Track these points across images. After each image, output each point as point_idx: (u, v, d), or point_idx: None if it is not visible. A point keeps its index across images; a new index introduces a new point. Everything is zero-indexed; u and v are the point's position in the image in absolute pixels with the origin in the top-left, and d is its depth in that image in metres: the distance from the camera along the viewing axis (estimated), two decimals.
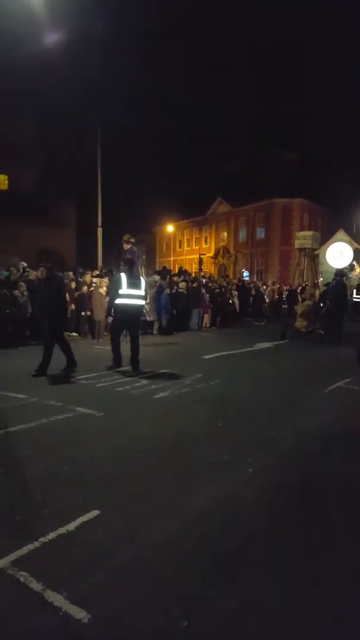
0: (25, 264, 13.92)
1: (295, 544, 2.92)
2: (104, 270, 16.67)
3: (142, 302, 8.53)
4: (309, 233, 28.17)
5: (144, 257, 12.76)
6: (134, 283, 8.23)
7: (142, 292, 8.40)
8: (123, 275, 8.29)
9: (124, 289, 8.13)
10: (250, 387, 7.34)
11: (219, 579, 2.56)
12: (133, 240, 12.25)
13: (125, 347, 8.53)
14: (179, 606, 2.33)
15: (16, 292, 11.66)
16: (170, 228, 48.67)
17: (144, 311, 11.51)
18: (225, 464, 4.10)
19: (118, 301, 8.23)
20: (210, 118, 60.36)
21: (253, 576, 2.58)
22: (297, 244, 27.91)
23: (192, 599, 2.39)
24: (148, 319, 11.77)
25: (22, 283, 11.91)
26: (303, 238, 27.50)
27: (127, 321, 8.40)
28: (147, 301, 11.34)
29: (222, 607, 2.33)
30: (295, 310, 14.79)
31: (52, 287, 8.01)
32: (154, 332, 14.40)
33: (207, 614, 2.30)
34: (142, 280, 8.50)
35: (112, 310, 8.55)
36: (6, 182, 33.32)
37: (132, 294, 8.18)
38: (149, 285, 14.91)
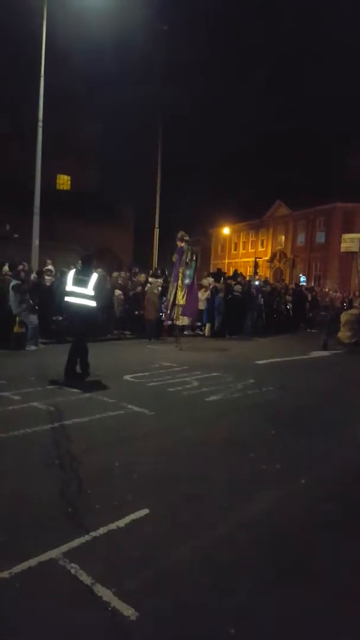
0: None
1: (349, 558, 2.80)
2: (159, 271, 16.84)
3: (89, 302, 7.19)
4: (357, 236, 25.90)
5: (194, 259, 12.44)
6: (79, 280, 7.22)
7: (87, 290, 7.17)
8: (71, 272, 7.57)
9: (69, 286, 7.28)
10: (305, 396, 7.15)
11: (268, 588, 2.50)
12: (187, 238, 12.05)
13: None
14: (226, 612, 2.29)
15: None
16: (226, 230, 48.41)
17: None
18: (278, 473, 4.00)
19: (66, 299, 7.39)
20: (270, 119, 59.39)
21: (303, 588, 2.50)
22: (343, 247, 25.27)
23: (240, 606, 2.35)
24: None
25: None
26: (350, 241, 24.82)
27: (71, 321, 7.52)
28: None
29: (270, 617, 2.28)
30: (339, 319, 13.90)
31: None
32: (206, 334, 14.37)
33: (254, 622, 2.25)
34: (93, 278, 7.25)
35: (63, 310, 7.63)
36: (69, 182, 34.55)
37: (75, 292, 7.22)
38: (205, 288, 14.94)
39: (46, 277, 11.65)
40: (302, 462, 4.28)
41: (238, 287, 15.62)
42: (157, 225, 23.11)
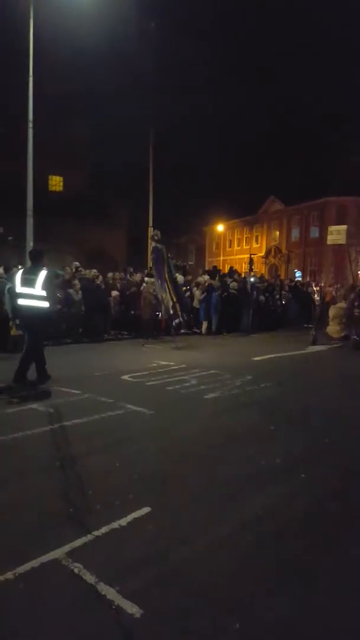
0: (78, 264, 14.30)
1: (348, 556, 2.82)
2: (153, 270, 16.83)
3: (39, 302, 6.71)
4: (343, 227, 25.47)
5: (169, 256, 12.22)
6: (27, 279, 6.75)
7: (36, 290, 6.68)
8: (19, 272, 7.15)
9: (18, 287, 6.83)
10: (303, 391, 7.18)
11: (272, 585, 2.51)
12: (157, 238, 12.03)
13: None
14: (230, 608, 2.31)
15: (70, 291, 12.00)
16: (220, 227, 48.51)
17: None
18: (278, 469, 4.03)
19: (18, 302, 6.91)
20: (262, 115, 59.45)
21: (307, 585, 2.52)
22: (330, 239, 24.89)
23: (244, 603, 2.36)
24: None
25: (76, 282, 12.24)
26: (337, 233, 24.34)
27: (23, 324, 7.06)
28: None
29: (274, 614, 2.30)
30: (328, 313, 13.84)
31: None
32: (203, 332, 14.39)
33: (259, 618, 2.27)
34: (41, 276, 6.71)
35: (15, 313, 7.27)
36: (61, 183, 34.51)
37: (23, 293, 6.77)
38: (201, 286, 14.95)
39: None
40: (302, 457, 4.30)
41: (234, 285, 15.65)
42: (150, 224, 23.08)
